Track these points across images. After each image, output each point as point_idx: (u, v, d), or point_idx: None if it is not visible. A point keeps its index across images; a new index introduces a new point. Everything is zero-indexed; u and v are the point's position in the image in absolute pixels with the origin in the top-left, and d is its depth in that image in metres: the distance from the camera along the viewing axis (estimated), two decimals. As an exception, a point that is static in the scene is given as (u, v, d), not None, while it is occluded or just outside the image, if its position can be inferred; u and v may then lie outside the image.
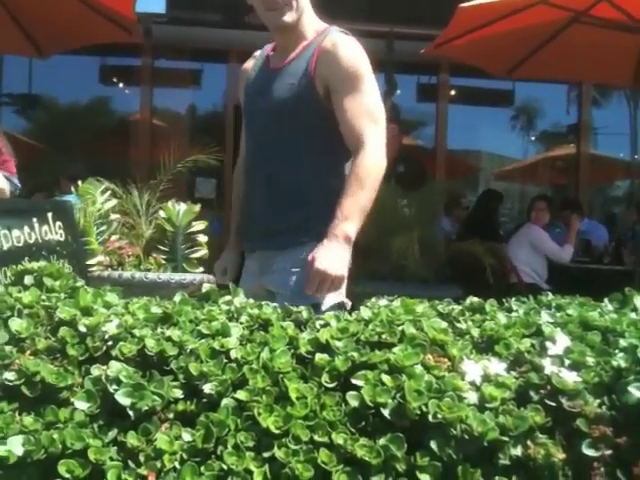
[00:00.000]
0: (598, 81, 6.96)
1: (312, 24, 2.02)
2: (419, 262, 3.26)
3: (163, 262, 3.38)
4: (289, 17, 1.93)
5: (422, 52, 4.60)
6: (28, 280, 1.31)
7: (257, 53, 2.21)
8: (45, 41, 4.83)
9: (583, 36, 4.62)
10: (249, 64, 2.20)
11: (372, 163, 1.87)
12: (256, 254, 2.14)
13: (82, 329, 1.10)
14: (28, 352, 1.07)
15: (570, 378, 1.03)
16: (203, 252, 3.30)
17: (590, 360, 1.07)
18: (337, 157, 2.02)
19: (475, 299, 1.41)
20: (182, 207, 3.73)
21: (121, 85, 7.86)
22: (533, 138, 8.98)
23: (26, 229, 2.01)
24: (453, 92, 7.95)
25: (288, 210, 2.00)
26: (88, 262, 3.23)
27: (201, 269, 3.15)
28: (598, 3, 4.35)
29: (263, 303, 1.33)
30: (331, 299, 1.91)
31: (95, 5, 4.19)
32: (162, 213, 3.75)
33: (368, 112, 1.91)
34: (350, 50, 1.92)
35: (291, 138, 1.99)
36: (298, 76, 1.94)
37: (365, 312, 1.25)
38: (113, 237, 3.60)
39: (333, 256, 1.82)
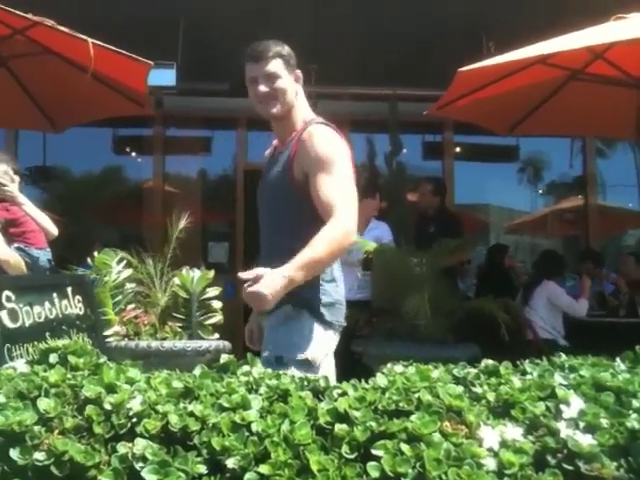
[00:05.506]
0: (600, 135, 7.06)
1: (302, 116, 2.22)
2: (432, 322, 3.27)
3: (179, 330, 3.40)
4: (276, 109, 2.16)
5: (425, 113, 4.71)
6: (53, 358, 1.35)
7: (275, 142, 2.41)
8: (60, 116, 4.99)
9: (582, 93, 4.71)
10: (268, 151, 2.42)
11: (339, 229, 1.94)
12: None
13: (107, 407, 1.14)
14: (56, 431, 1.10)
15: (585, 441, 1.04)
16: (218, 318, 3.31)
17: (604, 422, 1.09)
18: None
19: (490, 362, 1.43)
20: (196, 273, 3.76)
21: (134, 154, 8.05)
22: (540, 191, 9.03)
23: (47, 304, 2.07)
24: (458, 149, 8.08)
25: None
26: (105, 333, 3.27)
27: (216, 335, 3.17)
28: (594, 61, 4.47)
29: (281, 373, 1.36)
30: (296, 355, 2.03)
31: (109, 82, 4.33)
32: (177, 280, 3.80)
33: (340, 190, 2.02)
34: (322, 138, 2.10)
35: (278, 215, 2.19)
36: (282, 164, 2.16)
37: (381, 380, 1.28)
38: (129, 306, 3.65)
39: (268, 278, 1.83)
